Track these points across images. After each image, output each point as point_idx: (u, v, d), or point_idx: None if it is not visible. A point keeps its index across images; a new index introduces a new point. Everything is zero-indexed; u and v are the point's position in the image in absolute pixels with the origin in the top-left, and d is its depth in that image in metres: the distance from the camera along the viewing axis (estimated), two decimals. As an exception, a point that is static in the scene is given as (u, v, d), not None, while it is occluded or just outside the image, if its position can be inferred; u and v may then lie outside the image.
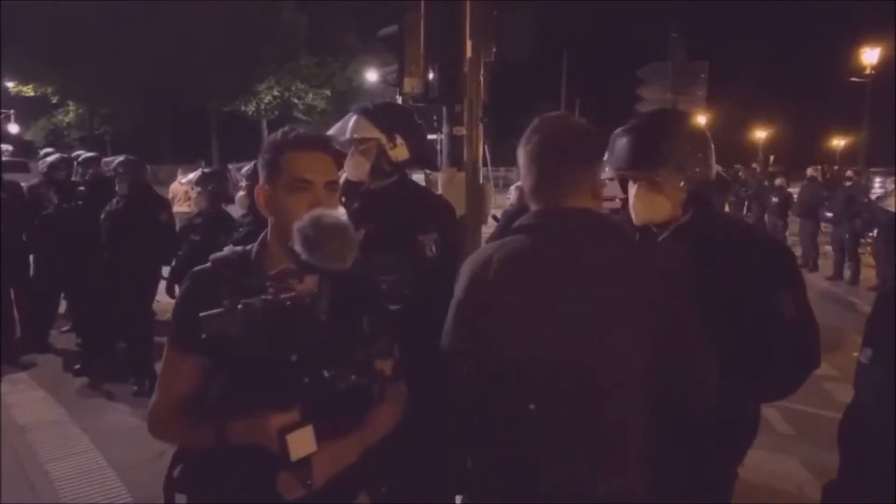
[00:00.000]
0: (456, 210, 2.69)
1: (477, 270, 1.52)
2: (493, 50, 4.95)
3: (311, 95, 30.52)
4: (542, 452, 1.43)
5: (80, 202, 5.43)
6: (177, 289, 4.73)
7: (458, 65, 4.65)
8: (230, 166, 5.85)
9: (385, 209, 2.26)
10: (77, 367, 5.42)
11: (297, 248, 1.24)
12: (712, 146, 1.88)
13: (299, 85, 30.11)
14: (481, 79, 4.81)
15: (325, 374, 1.30)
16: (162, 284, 5.19)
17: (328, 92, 30.73)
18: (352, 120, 2.34)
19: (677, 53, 9.73)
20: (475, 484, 1.56)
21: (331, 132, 2.33)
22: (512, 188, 6.23)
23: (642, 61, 9.98)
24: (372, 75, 28.09)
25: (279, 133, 1.52)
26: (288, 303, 1.26)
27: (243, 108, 30.00)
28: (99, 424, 4.44)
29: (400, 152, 2.31)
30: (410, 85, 4.76)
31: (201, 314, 1.24)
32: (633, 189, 1.84)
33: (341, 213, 1.57)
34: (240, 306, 1.22)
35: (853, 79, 22.81)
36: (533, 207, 1.55)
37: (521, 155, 1.54)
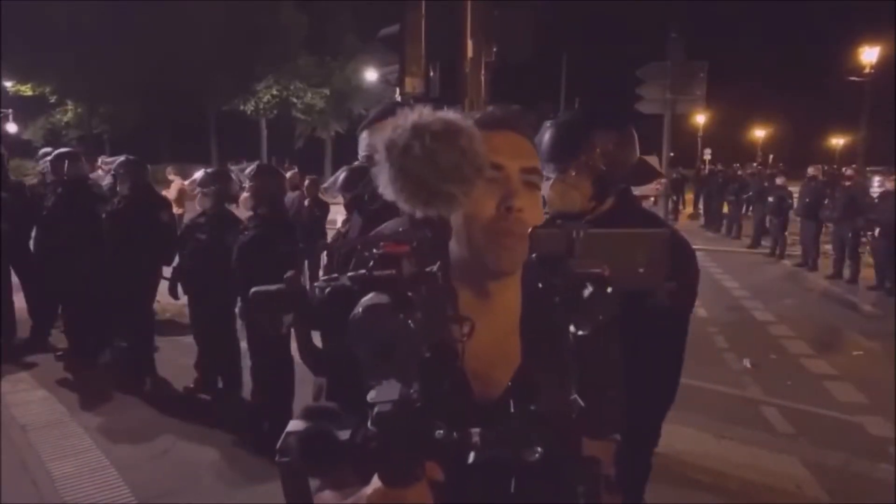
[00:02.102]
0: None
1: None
2: (494, 50, 4.97)
3: (310, 95, 30.51)
4: None
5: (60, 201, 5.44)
6: (179, 288, 4.75)
7: (458, 64, 4.67)
8: (231, 166, 5.86)
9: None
10: (59, 352, 5.53)
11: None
12: (635, 139, 1.98)
13: (298, 84, 30.11)
14: (482, 78, 4.83)
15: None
16: (163, 284, 5.20)
17: (327, 91, 30.72)
18: None
19: (676, 53, 9.73)
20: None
21: None
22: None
23: (642, 61, 9.99)
24: (371, 75, 28.09)
25: None
26: None
27: (242, 107, 29.99)
28: (100, 424, 4.44)
29: None
30: (411, 84, 4.78)
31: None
32: (547, 181, 1.94)
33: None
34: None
35: (852, 78, 22.84)
36: None
37: None
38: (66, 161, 5.43)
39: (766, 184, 13.67)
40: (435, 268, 0.87)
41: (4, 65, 22.98)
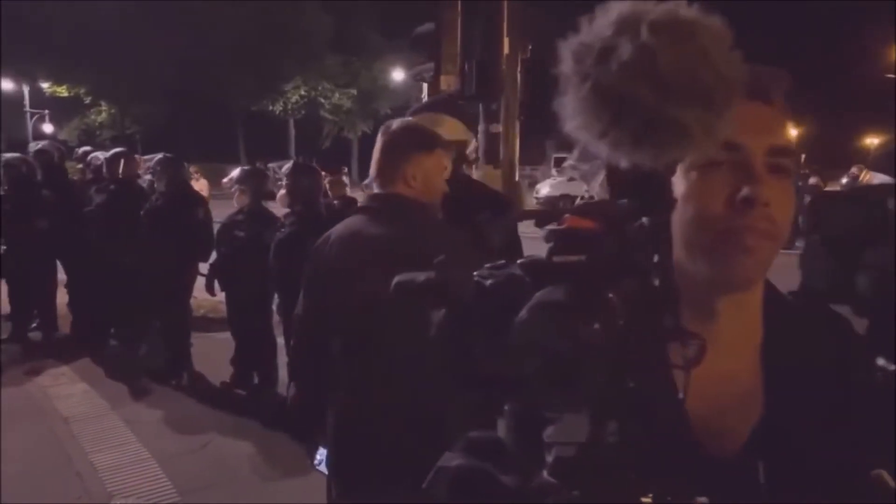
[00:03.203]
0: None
1: (318, 245, 1.90)
2: (530, 47, 4.95)
3: (337, 95, 30.74)
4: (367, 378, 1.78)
5: (110, 199, 5.54)
6: (216, 284, 4.81)
7: (495, 62, 4.66)
8: (270, 164, 5.92)
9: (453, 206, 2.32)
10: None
11: None
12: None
13: (326, 85, 30.36)
14: (518, 76, 4.81)
15: None
16: (200, 281, 5.27)
17: (354, 91, 30.92)
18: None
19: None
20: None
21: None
22: (540, 185, 6.21)
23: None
24: (397, 74, 28.22)
25: None
26: None
27: (270, 107, 30.33)
28: (140, 416, 4.52)
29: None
30: (446, 82, 4.78)
31: None
32: None
33: None
34: None
35: (889, 75, 22.31)
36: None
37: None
38: (122, 161, 5.57)
39: (799, 183, 13.43)
40: (650, 256, 0.61)
41: (42, 67, 23.54)
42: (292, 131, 32.33)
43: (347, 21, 29.50)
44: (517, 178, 4.67)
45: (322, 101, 30.77)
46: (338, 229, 1.89)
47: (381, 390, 1.77)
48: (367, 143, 31.38)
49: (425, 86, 12.48)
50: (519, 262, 0.65)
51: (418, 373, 1.68)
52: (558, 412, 0.54)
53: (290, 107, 30.49)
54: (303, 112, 30.93)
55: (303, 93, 30.12)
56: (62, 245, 5.89)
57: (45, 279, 6.13)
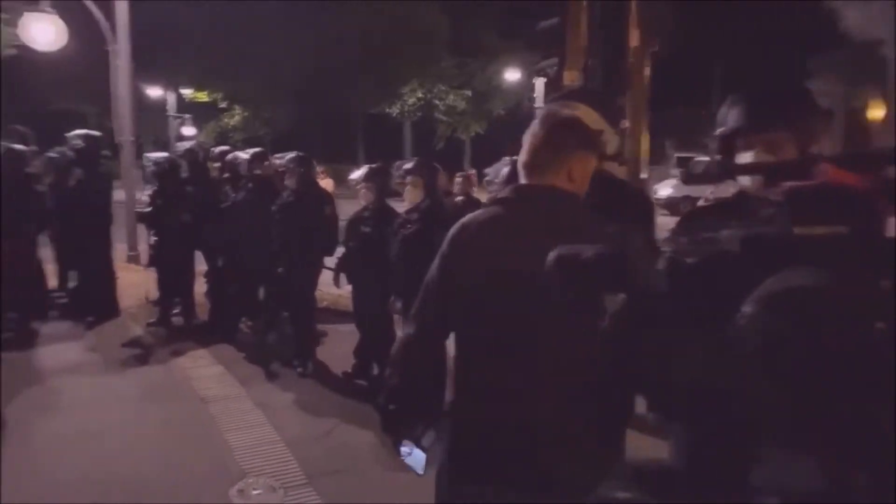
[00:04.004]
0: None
1: (454, 233, 1.78)
2: (659, 40, 4.74)
3: (451, 96, 31.13)
4: (499, 383, 1.64)
5: (248, 196, 5.91)
6: (343, 278, 4.99)
7: (622, 55, 4.51)
8: (397, 163, 6.07)
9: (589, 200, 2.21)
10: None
11: None
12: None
13: (441, 86, 30.81)
14: (646, 70, 4.62)
15: None
16: (325, 275, 5.49)
17: (468, 92, 31.17)
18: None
19: (858, 39, 8.80)
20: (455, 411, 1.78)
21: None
22: (659, 185, 5.93)
23: (810, 49, 9.12)
24: (511, 75, 28.10)
25: None
26: None
27: (388, 110, 31.21)
28: (270, 400, 4.77)
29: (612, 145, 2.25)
30: (570, 77, 4.67)
31: None
32: None
33: None
34: None
35: None
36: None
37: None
38: (261, 160, 5.94)
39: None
40: None
41: (185, 75, 25.64)
42: (408, 133, 33.09)
43: (464, 22, 29.77)
44: (645, 176, 4.48)
45: (437, 102, 31.27)
46: (481, 219, 1.77)
47: (521, 393, 1.66)
48: (478, 143, 31.56)
49: (539, 84, 12.36)
50: (737, 232, 0.46)
51: (571, 375, 1.61)
52: (784, 448, 0.35)
53: (406, 109, 31.22)
54: (418, 114, 31.58)
55: (419, 95, 30.74)
56: (203, 238, 6.35)
57: (186, 269, 6.65)
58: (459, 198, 6.82)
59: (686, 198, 18.36)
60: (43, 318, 6.57)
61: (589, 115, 2.24)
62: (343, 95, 28.24)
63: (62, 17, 8.97)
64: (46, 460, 3.84)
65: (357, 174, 5.57)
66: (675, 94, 20.67)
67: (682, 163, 22.63)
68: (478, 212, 1.79)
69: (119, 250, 8.16)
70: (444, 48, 29.58)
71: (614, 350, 1.53)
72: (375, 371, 5.03)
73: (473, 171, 7.71)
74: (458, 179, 4.44)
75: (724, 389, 0.40)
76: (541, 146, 1.73)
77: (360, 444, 4.04)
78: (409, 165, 4.73)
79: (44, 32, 8.91)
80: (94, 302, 6.77)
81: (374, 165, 5.04)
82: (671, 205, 18.32)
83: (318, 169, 13.10)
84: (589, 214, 1.80)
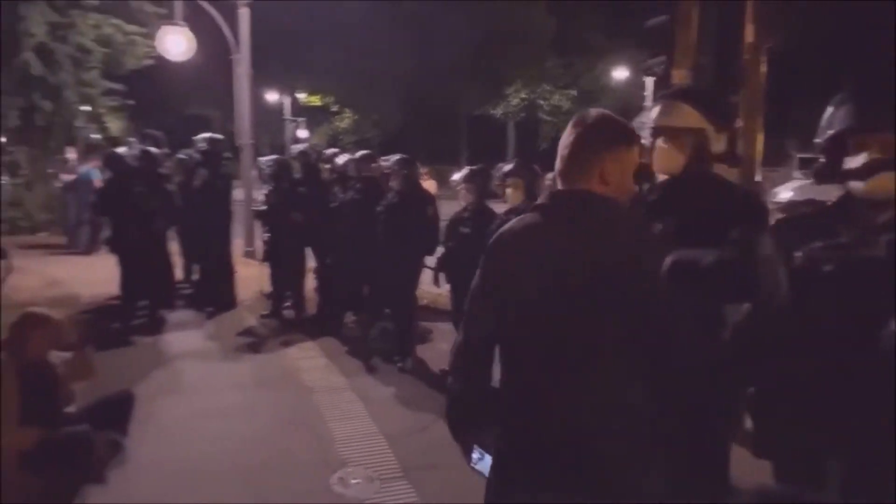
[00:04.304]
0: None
1: (494, 242, 1.80)
2: (777, 35, 4.48)
3: (556, 96, 30.78)
4: (549, 394, 1.65)
5: (356, 196, 6.13)
6: (442, 278, 5.08)
7: (736, 52, 4.30)
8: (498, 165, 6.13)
9: (690, 201, 2.08)
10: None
11: None
12: None
13: (545, 86, 30.53)
14: (762, 67, 4.38)
15: None
16: (426, 273, 5.62)
17: (574, 92, 30.69)
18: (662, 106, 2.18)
19: None
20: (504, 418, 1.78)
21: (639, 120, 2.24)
22: (780, 188, 5.59)
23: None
24: (619, 73, 27.40)
25: None
26: None
27: (492, 111, 31.32)
28: (370, 393, 4.94)
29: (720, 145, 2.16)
30: (679, 76, 4.51)
31: None
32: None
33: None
34: None
35: None
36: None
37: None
38: (369, 162, 6.18)
39: None
40: None
41: (301, 81, 27.00)
42: (511, 134, 33.04)
43: (570, 22, 29.34)
44: (759, 178, 4.25)
45: (541, 102, 31.02)
46: (517, 227, 1.76)
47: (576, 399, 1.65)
48: (585, 144, 31.10)
49: (650, 82, 11.97)
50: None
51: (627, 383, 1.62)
52: None
53: (510, 109, 31.20)
54: (522, 115, 31.46)
55: (523, 95, 30.62)
56: (313, 236, 6.67)
57: (297, 265, 7.00)
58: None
59: (809, 201, 17.12)
60: (170, 308, 7.14)
61: (690, 115, 2.17)
62: (448, 97, 28.63)
63: (192, 29, 9.70)
64: (169, 436, 4.20)
65: (458, 176, 5.64)
66: (799, 92, 19.27)
67: (805, 164, 21.13)
68: (515, 219, 1.80)
69: (237, 246, 8.73)
70: (550, 48, 29.28)
71: (736, 361, 1.50)
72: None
73: None
74: (547, 182, 4.38)
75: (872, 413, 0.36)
76: (570, 152, 1.71)
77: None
78: (509, 167, 4.75)
79: (176, 44, 9.67)
80: (214, 294, 7.29)
81: (474, 167, 5.09)
82: (791, 209, 17.16)
83: (422, 170, 13.38)
84: (628, 218, 1.80)
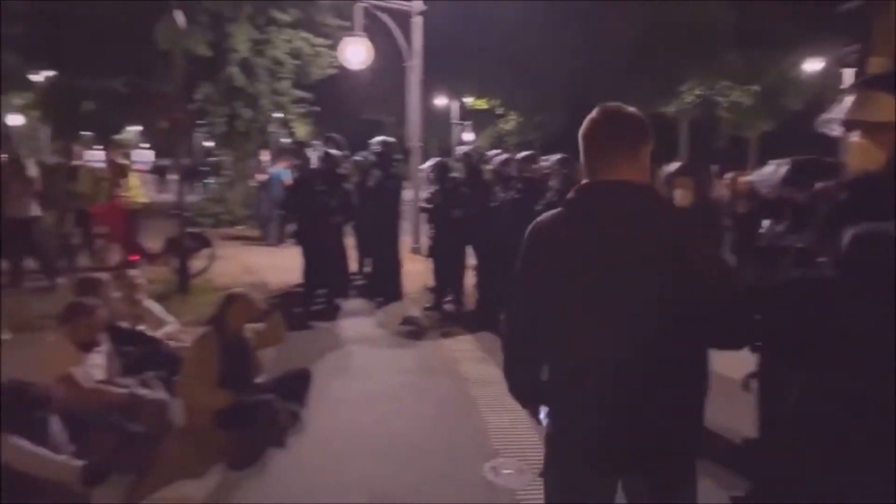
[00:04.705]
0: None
1: (528, 231, 1.94)
2: None
3: (736, 92, 28.66)
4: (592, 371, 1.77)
5: (516, 195, 6.24)
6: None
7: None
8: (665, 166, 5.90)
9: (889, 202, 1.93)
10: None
11: None
12: None
13: (724, 82, 28.56)
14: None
15: None
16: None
17: (757, 87, 28.39)
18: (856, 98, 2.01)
19: None
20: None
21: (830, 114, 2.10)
22: None
23: None
24: (810, 66, 24.90)
25: None
26: None
27: (662, 109, 29.94)
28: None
29: None
30: (878, 64, 4.07)
31: None
32: None
33: None
34: None
35: None
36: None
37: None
38: (530, 163, 6.30)
39: None
40: None
41: (468, 86, 27.79)
42: (685, 132, 31.34)
43: (752, 13, 27.20)
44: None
45: (719, 99, 29.06)
46: (550, 217, 1.90)
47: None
48: (767, 142, 28.60)
49: (848, 73, 10.77)
50: None
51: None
52: None
53: (683, 107, 29.61)
54: (697, 112, 29.70)
55: (698, 92, 28.90)
56: (474, 234, 6.89)
57: (458, 261, 7.27)
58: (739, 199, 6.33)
59: None
60: (345, 296, 7.76)
61: (888, 105, 1.98)
62: (615, 97, 27.81)
63: (369, 39, 10.41)
64: (340, 412, 4.59)
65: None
66: None
67: None
68: (552, 212, 1.92)
69: (405, 242, 9.24)
70: (730, 42, 27.36)
71: None
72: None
73: (745, 173, 7.07)
74: (724, 181, 4.13)
75: None
76: (603, 145, 1.85)
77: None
78: (676, 167, 4.56)
79: (356, 54, 10.44)
80: (383, 286, 7.80)
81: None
82: None
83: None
84: (663, 201, 1.93)
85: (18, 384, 3.50)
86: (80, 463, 3.23)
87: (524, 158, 6.34)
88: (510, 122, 33.71)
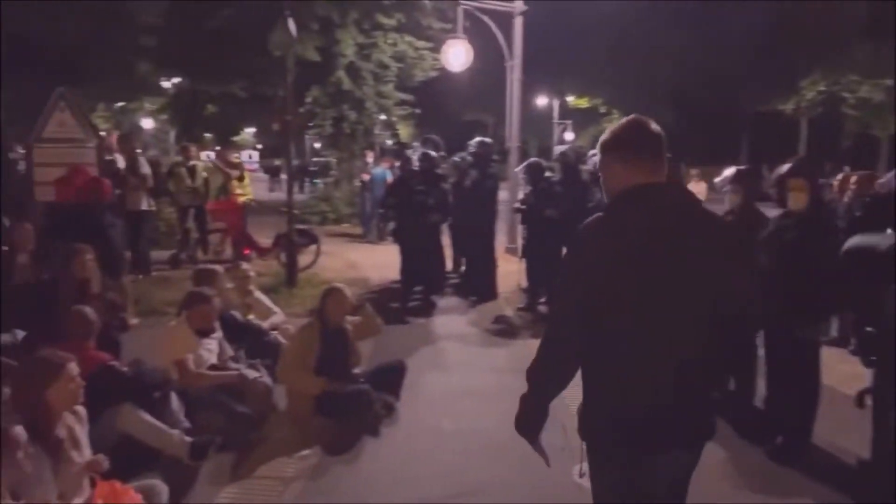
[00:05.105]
0: None
1: (578, 235, 1.95)
2: None
3: (865, 87, 26.44)
4: (634, 368, 1.89)
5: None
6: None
7: None
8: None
9: None
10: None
11: None
12: None
13: (852, 77, 26.42)
14: None
15: None
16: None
17: (889, 82, 26.05)
18: None
19: None
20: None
21: None
22: None
23: None
24: (956, 56, 22.57)
25: None
26: None
27: (780, 106, 28.16)
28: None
29: None
30: None
31: None
32: None
33: None
34: None
35: None
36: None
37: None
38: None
39: None
40: None
41: (570, 85, 27.42)
42: (804, 130, 29.33)
43: (888, 3, 24.98)
44: None
45: (846, 95, 26.92)
46: (596, 220, 1.93)
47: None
48: (901, 141, 26.19)
49: None
50: None
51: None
52: None
53: (803, 104, 27.70)
54: (819, 109, 27.69)
55: (821, 88, 26.93)
56: (569, 234, 6.82)
57: (552, 262, 7.21)
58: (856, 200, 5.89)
59: None
60: (440, 294, 7.91)
61: None
62: (727, 94, 26.54)
63: (469, 40, 10.52)
64: (432, 406, 4.71)
65: (722, 177, 5.29)
66: None
67: None
68: (596, 214, 1.94)
69: (500, 242, 9.28)
70: (859, 34, 25.31)
71: None
72: (732, 386, 4.76)
73: (865, 173, 6.44)
74: (834, 182, 3.85)
75: None
76: (651, 152, 1.92)
77: (709, 458, 3.90)
78: (788, 167, 4.30)
79: (457, 56, 10.58)
80: (477, 285, 7.89)
81: (741, 167, 4.74)
82: None
83: (692, 172, 12.72)
84: (700, 204, 1.93)
85: (142, 364, 3.88)
86: (189, 439, 3.53)
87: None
88: (614, 121, 32.90)
